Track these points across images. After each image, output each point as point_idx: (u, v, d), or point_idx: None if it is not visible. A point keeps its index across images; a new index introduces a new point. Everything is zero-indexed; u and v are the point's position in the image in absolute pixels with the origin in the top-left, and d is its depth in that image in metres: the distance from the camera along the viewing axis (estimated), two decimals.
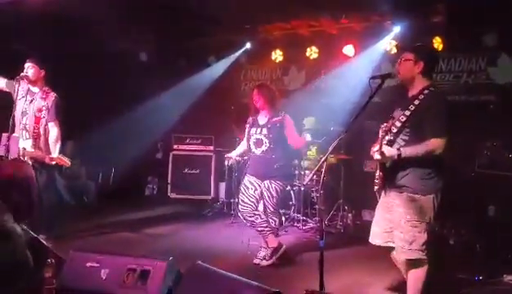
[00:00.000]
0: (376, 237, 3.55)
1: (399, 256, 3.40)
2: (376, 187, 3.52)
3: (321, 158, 3.71)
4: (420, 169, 3.27)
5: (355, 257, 5.27)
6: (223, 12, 6.79)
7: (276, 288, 2.30)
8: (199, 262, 2.78)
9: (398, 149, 3.20)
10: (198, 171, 8.48)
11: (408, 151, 3.19)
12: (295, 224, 6.59)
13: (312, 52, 7.84)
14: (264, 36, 8.13)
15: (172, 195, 8.53)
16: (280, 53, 8.25)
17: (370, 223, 6.51)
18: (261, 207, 4.89)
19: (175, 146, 8.67)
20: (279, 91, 8.48)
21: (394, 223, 3.37)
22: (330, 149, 3.41)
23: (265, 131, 4.74)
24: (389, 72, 3.53)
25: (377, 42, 7.19)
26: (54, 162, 4.80)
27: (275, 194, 4.71)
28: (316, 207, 6.59)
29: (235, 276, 2.60)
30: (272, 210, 4.81)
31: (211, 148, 8.45)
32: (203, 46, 8.60)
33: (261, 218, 4.77)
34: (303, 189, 6.57)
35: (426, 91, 3.31)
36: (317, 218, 6.44)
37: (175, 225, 6.65)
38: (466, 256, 5.14)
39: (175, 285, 2.75)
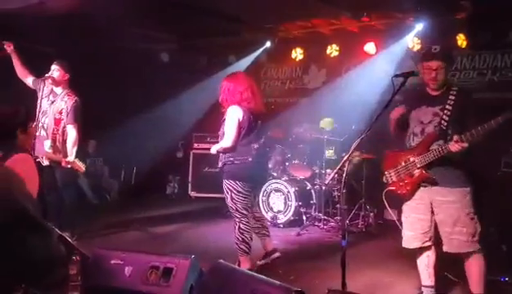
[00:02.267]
0: (413, 240, 3.58)
1: (459, 251, 3.41)
2: (404, 192, 3.53)
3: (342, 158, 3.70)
4: (464, 163, 3.37)
5: (377, 257, 5.22)
6: (244, 11, 6.80)
7: (298, 287, 2.30)
8: (221, 260, 2.79)
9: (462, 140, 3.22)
10: (218, 169, 8.50)
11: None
12: (316, 223, 6.56)
13: (333, 50, 7.80)
14: (284, 34, 8.12)
15: (193, 194, 8.58)
16: (301, 51, 8.23)
17: (392, 222, 6.50)
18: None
19: (195, 145, 8.71)
20: (299, 90, 8.62)
21: (449, 221, 3.39)
22: (352, 148, 3.39)
23: None
24: (412, 70, 3.49)
25: (399, 40, 7.11)
26: (69, 166, 4.85)
27: (225, 193, 4.36)
28: (338, 206, 6.56)
29: (256, 275, 2.60)
30: (231, 212, 4.40)
31: None
32: (223, 46, 8.64)
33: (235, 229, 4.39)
34: (324, 188, 6.55)
35: (454, 88, 3.47)
36: (339, 217, 6.42)
37: (196, 223, 6.69)
38: (492, 256, 5.01)
39: (197, 283, 2.77)
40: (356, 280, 3.92)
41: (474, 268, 3.44)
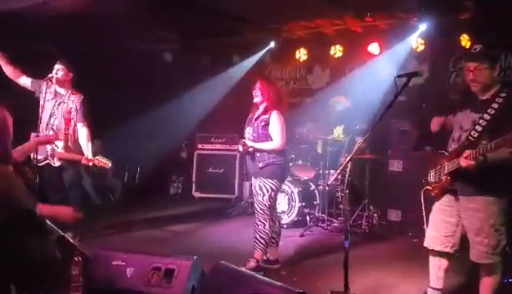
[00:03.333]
0: (435, 242, 3.53)
1: (479, 261, 3.37)
2: (434, 194, 3.51)
3: (346, 155, 3.69)
4: (496, 171, 3.20)
5: (380, 258, 5.20)
6: (248, 11, 6.79)
7: (300, 289, 2.29)
8: (223, 262, 2.80)
9: (484, 155, 3.10)
10: (222, 170, 8.51)
11: (494, 156, 3.10)
12: (320, 223, 6.54)
13: (337, 51, 7.78)
14: (288, 35, 8.11)
15: (197, 194, 8.58)
16: (305, 52, 8.21)
17: (395, 223, 6.52)
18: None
19: (199, 145, 8.72)
20: (303, 90, 8.61)
21: (473, 229, 3.33)
22: (355, 148, 3.38)
23: (251, 130, 4.60)
24: (416, 70, 3.47)
25: (403, 40, 7.09)
26: (91, 163, 4.86)
27: (259, 191, 4.45)
28: (341, 206, 6.54)
29: (258, 276, 2.60)
30: (259, 209, 4.48)
31: (235, 147, 8.45)
32: (227, 46, 8.63)
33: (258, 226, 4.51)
34: (327, 188, 6.53)
35: (503, 94, 3.25)
36: (342, 218, 6.40)
37: (199, 224, 6.68)
38: None
39: (199, 284, 2.77)
40: (359, 281, 3.91)
41: (489, 280, 3.40)
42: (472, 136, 3.26)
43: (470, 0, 6.09)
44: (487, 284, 3.41)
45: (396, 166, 6.64)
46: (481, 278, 3.44)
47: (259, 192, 4.46)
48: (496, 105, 3.20)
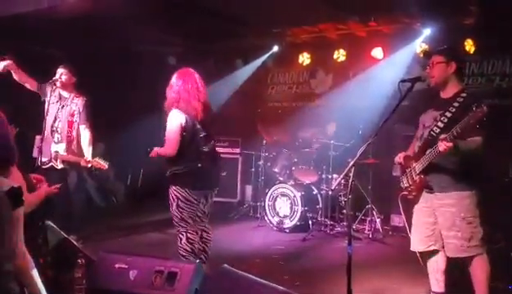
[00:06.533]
0: (418, 243, 3.57)
1: (455, 255, 3.38)
2: (412, 197, 3.54)
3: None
4: (464, 167, 3.30)
5: (383, 263, 5.19)
6: (251, 15, 6.81)
7: (303, 293, 2.28)
8: (226, 265, 2.79)
9: (455, 141, 3.14)
10: (224, 173, 8.48)
11: (463, 144, 3.18)
12: (322, 228, 6.53)
13: (340, 55, 7.79)
14: (292, 39, 8.12)
15: None
16: (308, 56, 8.22)
17: (398, 228, 6.50)
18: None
19: None
20: (306, 95, 8.61)
21: (446, 224, 3.37)
22: (359, 153, 3.38)
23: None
24: (419, 75, 3.49)
25: (407, 45, 7.09)
26: (90, 165, 4.88)
27: (170, 201, 3.95)
28: (344, 211, 6.52)
29: (261, 280, 2.59)
30: (174, 222, 3.96)
31: (237, 150, 8.46)
32: (230, 49, 8.64)
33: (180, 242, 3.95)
34: (330, 193, 6.52)
35: (463, 95, 3.37)
36: (345, 223, 6.39)
37: None
38: (500, 264, 4.98)
39: (201, 287, 2.77)
40: (362, 286, 3.89)
41: (476, 273, 3.39)
42: (434, 132, 3.36)
43: (475, 5, 6.08)
44: (476, 278, 3.39)
45: (399, 171, 6.62)
46: (472, 275, 3.42)
47: (170, 202, 3.97)
48: (457, 104, 3.32)
